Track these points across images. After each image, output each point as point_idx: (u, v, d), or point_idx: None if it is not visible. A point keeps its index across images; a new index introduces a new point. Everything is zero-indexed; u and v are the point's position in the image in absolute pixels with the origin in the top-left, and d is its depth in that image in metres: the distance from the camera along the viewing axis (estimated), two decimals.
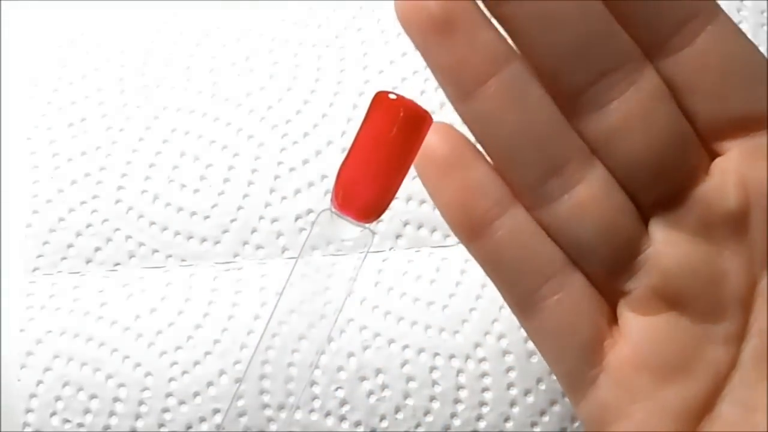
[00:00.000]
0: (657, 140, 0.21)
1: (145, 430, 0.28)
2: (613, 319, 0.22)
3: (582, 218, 0.21)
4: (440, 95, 0.30)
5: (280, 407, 0.28)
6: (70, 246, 0.29)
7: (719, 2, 0.21)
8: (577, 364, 0.22)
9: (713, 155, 0.22)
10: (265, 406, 0.28)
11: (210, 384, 0.28)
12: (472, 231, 0.21)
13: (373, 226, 0.21)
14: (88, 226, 0.29)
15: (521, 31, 0.21)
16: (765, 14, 0.31)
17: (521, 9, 0.20)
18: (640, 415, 0.22)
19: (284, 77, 0.30)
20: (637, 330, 0.22)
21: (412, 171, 0.24)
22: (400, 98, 0.20)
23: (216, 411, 0.28)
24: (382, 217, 0.28)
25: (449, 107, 0.30)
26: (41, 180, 0.30)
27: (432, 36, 0.20)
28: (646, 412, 0.22)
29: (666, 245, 0.21)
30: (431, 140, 0.21)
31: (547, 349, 0.22)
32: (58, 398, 0.28)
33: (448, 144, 0.21)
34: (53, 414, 0.28)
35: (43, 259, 0.29)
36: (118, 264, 0.29)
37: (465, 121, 0.21)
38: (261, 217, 0.29)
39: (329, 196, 0.21)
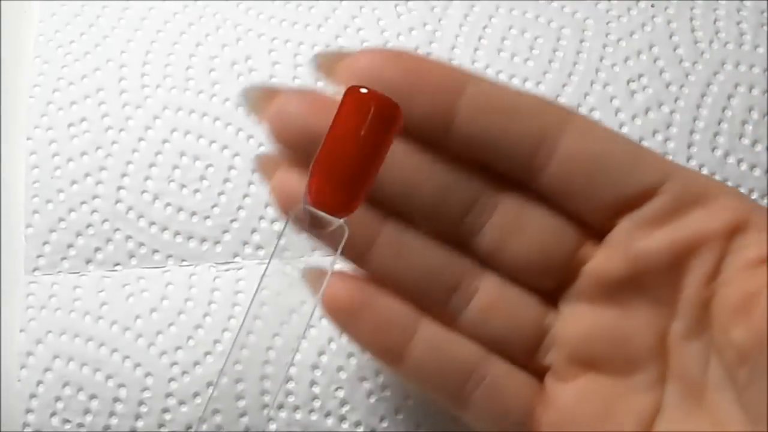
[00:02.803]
0: (533, 242, 0.23)
1: (145, 430, 0.28)
2: (544, 390, 0.24)
3: (488, 319, 0.24)
4: None
5: (280, 407, 0.28)
6: (70, 246, 0.29)
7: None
8: None
9: (607, 231, 0.23)
10: (266, 406, 0.28)
11: (210, 384, 0.28)
12: (393, 357, 0.23)
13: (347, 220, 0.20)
14: (88, 226, 0.29)
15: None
16: (765, 14, 0.31)
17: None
18: None
19: (284, 77, 0.30)
20: (561, 395, 0.23)
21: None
22: (371, 91, 0.20)
23: (216, 411, 0.28)
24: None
25: None
26: (41, 180, 0.30)
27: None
28: None
29: (571, 319, 0.23)
30: (333, 290, 0.23)
31: None
32: (58, 398, 0.28)
33: (350, 290, 0.23)
34: (53, 414, 0.28)
35: (43, 259, 0.29)
36: (118, 264, 0.29)
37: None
38: (261, 217, 0.29)
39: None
